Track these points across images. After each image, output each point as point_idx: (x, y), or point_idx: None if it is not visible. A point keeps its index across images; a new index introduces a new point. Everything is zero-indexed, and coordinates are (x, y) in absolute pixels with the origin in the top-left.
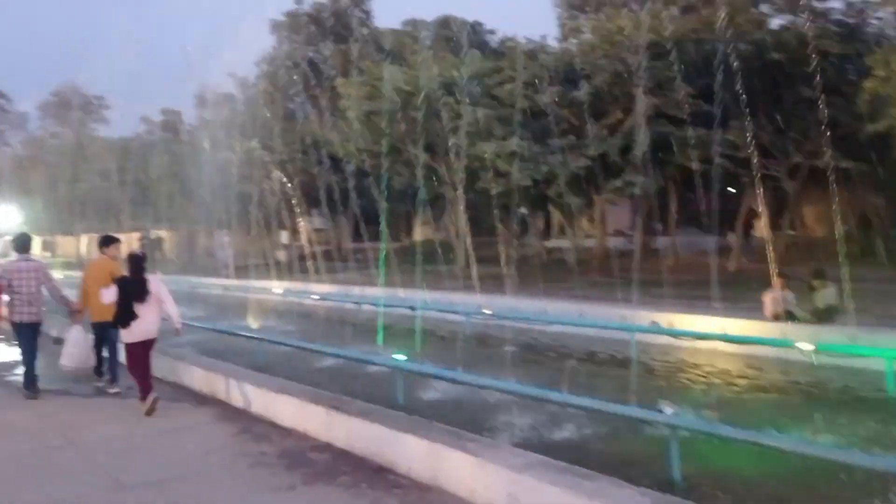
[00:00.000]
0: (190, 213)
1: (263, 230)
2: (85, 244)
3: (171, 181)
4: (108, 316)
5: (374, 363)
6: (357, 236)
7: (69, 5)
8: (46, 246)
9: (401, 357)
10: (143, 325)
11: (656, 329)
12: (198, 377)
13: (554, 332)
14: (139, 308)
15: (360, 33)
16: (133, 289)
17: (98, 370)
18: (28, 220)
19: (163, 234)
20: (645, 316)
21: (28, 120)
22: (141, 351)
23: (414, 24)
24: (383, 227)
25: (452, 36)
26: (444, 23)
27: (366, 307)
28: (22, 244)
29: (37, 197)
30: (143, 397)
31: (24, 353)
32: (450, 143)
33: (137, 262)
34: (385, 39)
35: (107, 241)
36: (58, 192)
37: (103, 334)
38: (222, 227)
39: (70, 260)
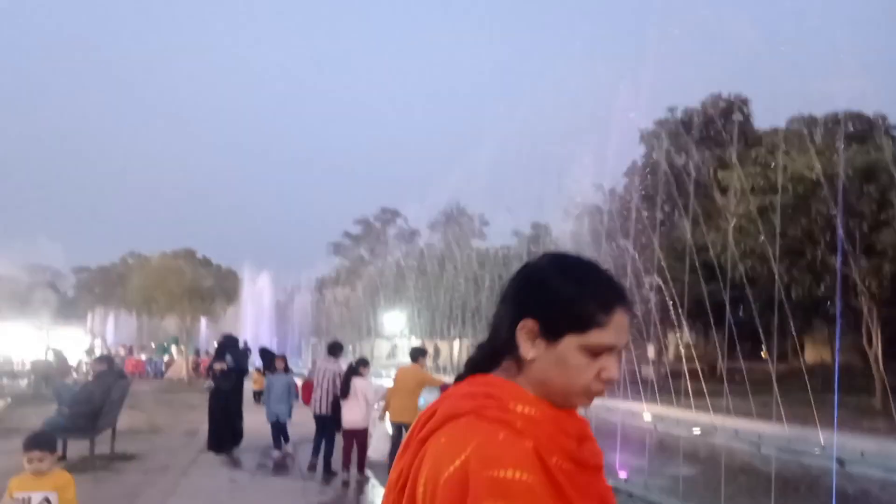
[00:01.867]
0: None
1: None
2: (457, 349)
3: None
4: (406, 417)
5: None
6: (731, 353)
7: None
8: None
9: None
10: (348, 416)
11: None
12: None
13: None
14: (344, 403)
15: (740, 134)
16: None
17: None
18: (410, 325)
19: None
20: None
21: (419, 236)
22: (349, 437)
23: (803, 121)
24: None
25: (854, 132)
26: (844, 119)
27: (765, 451)
28: (330, 348)
29: (417, 304)
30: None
31: (318, 440)
32: (876, 242)
33: (347, 372)
34: (767, 139)
35: (417, 354)
36: (434, 299)
37: (399, 433)
38: None
39: (438, 363)
